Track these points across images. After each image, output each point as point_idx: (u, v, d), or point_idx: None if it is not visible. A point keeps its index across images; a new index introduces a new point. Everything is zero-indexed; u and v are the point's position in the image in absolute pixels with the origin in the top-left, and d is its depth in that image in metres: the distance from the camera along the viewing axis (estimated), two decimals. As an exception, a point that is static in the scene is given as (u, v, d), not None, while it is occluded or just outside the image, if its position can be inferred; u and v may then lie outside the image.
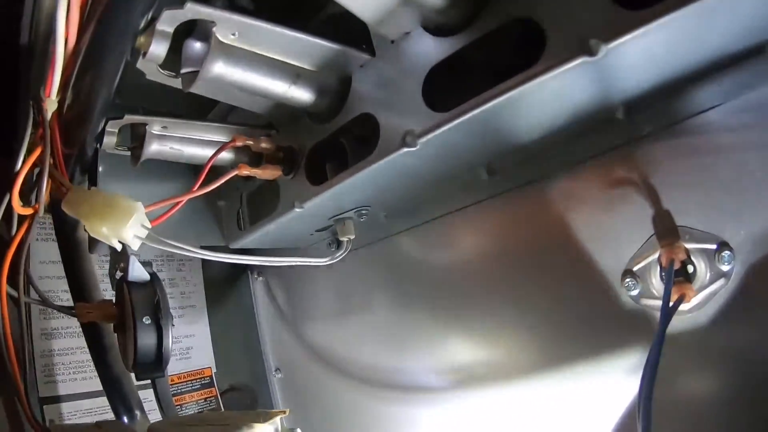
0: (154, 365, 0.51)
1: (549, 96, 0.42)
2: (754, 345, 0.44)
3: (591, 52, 0.36)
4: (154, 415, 0.60)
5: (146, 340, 0.50)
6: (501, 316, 0.60)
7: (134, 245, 0.43)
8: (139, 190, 0.66)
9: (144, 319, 0.51)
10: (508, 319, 0.60)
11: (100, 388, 0.60)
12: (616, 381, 0.51)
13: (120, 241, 0.43)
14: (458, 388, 0.64)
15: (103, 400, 0.67)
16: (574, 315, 0.54)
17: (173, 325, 0.52)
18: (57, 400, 0.68)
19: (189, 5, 0.41)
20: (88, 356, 0.61)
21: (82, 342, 0.66)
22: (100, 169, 0.60)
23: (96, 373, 0.60)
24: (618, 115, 0.48)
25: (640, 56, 0.39)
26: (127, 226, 0.42)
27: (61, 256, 0.62)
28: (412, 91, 0.46)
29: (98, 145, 0.55)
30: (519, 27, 0.41)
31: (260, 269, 0.90)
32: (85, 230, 0.49)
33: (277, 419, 0.48)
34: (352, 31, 0.49)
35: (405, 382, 0.70)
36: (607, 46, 0.36)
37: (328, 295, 0.80)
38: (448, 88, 0.46)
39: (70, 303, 0.61)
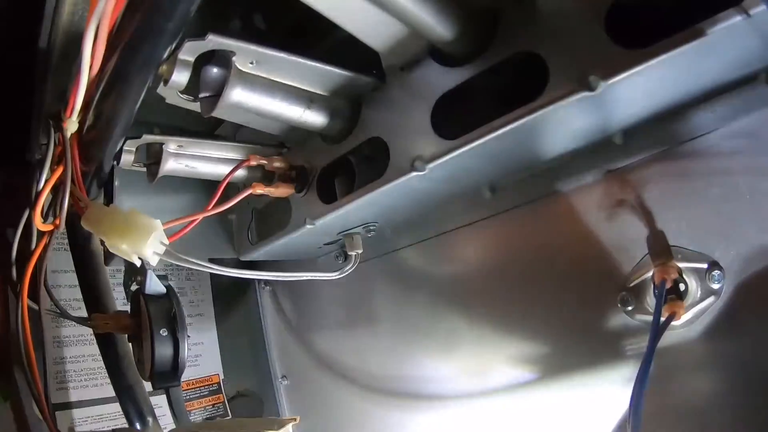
0: (169, 375, 0.53)
1: (551, 126, 0.45)
2: (742, 358, 0.46)
3: (590, 88, 0.39)
4: (164, 421, 0.62)
5: (163, 351, 0.52)
6: (502, 328, 0.62)
7: (153, 261, 0.44)
8: (152, 204, 0.68)
9: (161, 331, 0.52)
10: (509, 330, 0.62)
11: (111, 394, 0.61)
12: (611, 391, 0.53)
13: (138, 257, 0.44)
14: (461, 396, 0.66)
15: (114, 407, 0.69)
16: (573, 328, 0.56)
17: (189, 336, 0.54)
18: (68, 406, 0.69)
19: (211, 37, 0.43)
20: (99, 363, 0.62)
21: (93, 350, 0.68)
22: (116, 184, 0.61)
23: (107, 380, 0.61)
24: (616, 140, 0.50)
25: (637, 90, 0.41)
26: (147, 243, 0.42)
27: (76, 267, 0.63)
28: (420, 118, 0.49)
29: (116, 163, 0.57)
30: (524, 59, 0.43)
31: (268, 279, 0.90)
32: (103, 244, 0.51)
33: (289, 426, 0.50)
34: (363, 56, 0.51)
35: (408, 390, 0.71)
36: (606, 82, 0.38)
37: (334, 306, 0.82)
38: (455, 114, 0.48)
39: (82, 311, 0.62)
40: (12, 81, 0.55)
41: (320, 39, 0.55)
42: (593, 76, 0.39)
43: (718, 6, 0.35)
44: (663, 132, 0.49)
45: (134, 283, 0.57)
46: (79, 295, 0.63)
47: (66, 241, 0.68)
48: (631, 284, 0.51)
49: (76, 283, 0.63)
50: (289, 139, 0.62)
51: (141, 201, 0.65)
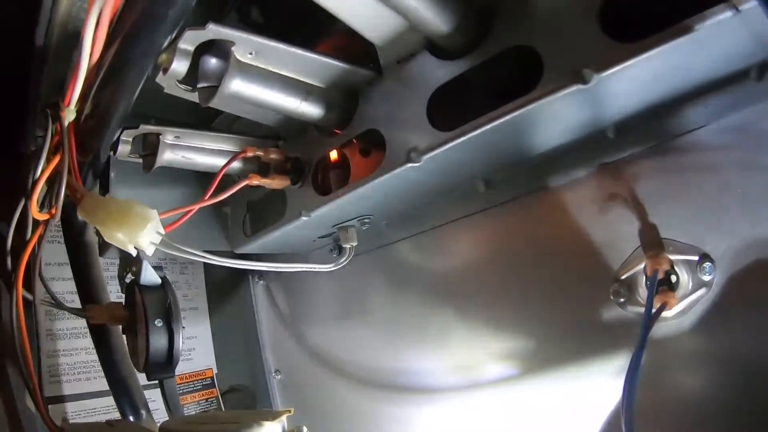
0: (164, 366, 0.53)
1: (545, 118, 0.45)
2: (732, 349, 0.47)
3: (584, 81, 0.40)
4: (157, 415, 0.62)
5: (158, 341, 0.52)
6: (496, 321, 0.63)
7: (149, 251, 0.44)
8: (147, 195, 0.68)
9: (156, 322, 0.52)
10: (503, 323, 0.62)
11: (104, 388, 0.61)
12: (604, 382, 0.54)
13: (135, 247, 0.44)
14: (454, 389, 0.66)
15: (107, 400, 0.69)
16: (566, 320, 0.57)
17: (183, 328, 0.54)
18: (61, 399, 0.69)
19: (211, 26, 0.43)
20: (93, 357, 0.62)
21: (86, 343, 0.67)
22: (112, 175, 0.61)
23: (100, 374, 0.61)
24: (609, 134, 0.51)
25: (629, 84, 0.42)
26: (143, 233, 0.42)
27: (70, 258, 0.63)
28: (416, 110, 0.49)
29: (112, 153, 0.57)
30: (518, 53, 0.44)
31: (261, 273, 0.91)
32: (97, 234, 0.50)
33: (284, 418, 0.50)
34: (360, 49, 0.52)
35: (402, 384, 0.72)
36: (598, 75, 0.39)
37: (327, 299, 0.82)
38: (451, 107, 0.48)
39: (75, 304, 0.62)
40: (5, 74, 0.55)
41: (318, 32, 0.56)
42: (587, 69, 0.39)
43: (709, 2, 0.36)
44: (655, 127, 0.50)
45: (129, 275, 0.57)
46: (73, 288, 0.62)
47: (59, 233, 0.68)
48: (624, 276, 0.52)
49: (70, 275, 0.63)
50: (285, 131, 0.62)
51: (135, 193, 0.64)
